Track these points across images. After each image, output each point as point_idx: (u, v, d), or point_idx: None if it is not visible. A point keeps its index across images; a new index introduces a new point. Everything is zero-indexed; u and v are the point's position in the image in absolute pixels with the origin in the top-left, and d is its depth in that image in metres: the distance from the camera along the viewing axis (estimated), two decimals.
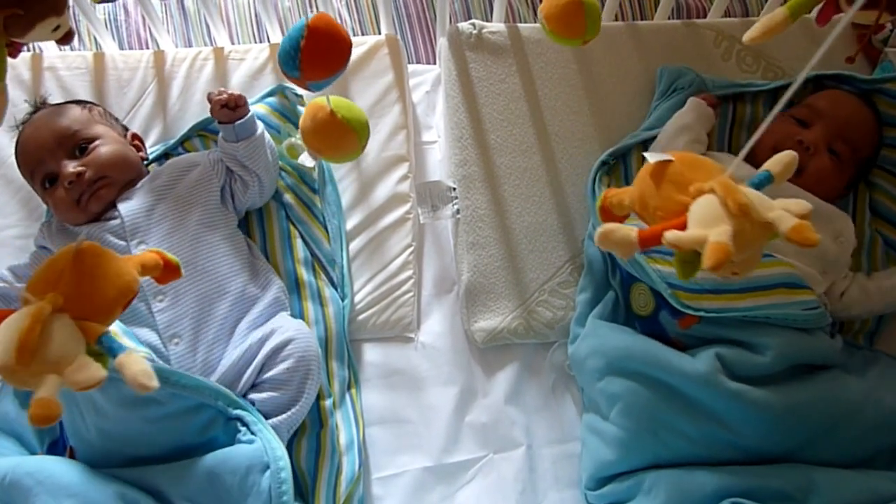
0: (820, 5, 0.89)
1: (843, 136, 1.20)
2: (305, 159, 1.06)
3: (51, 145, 1.15)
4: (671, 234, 0.69)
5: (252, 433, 1.04)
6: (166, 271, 0.81)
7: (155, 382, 0.72)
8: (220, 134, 1.21)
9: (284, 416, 1.08)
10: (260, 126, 1.22)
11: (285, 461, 1.01)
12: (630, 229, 0.73)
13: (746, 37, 0.87)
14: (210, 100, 1.18)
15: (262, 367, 1.09)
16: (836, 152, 1.20)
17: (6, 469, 0.98)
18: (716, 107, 1.30)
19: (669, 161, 0.78)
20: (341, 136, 0.97)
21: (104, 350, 0.72)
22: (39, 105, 1.25)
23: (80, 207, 1.16)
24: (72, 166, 1.14)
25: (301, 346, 1.09)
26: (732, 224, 0.67)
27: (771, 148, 1.25)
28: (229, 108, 1.17)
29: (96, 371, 0.69)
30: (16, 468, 0.98)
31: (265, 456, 1.01)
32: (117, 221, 1.15)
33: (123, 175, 1.19)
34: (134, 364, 0.71)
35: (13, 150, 1.33)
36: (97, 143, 1.18)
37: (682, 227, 0.71)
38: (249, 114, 1.20)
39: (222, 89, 1.18)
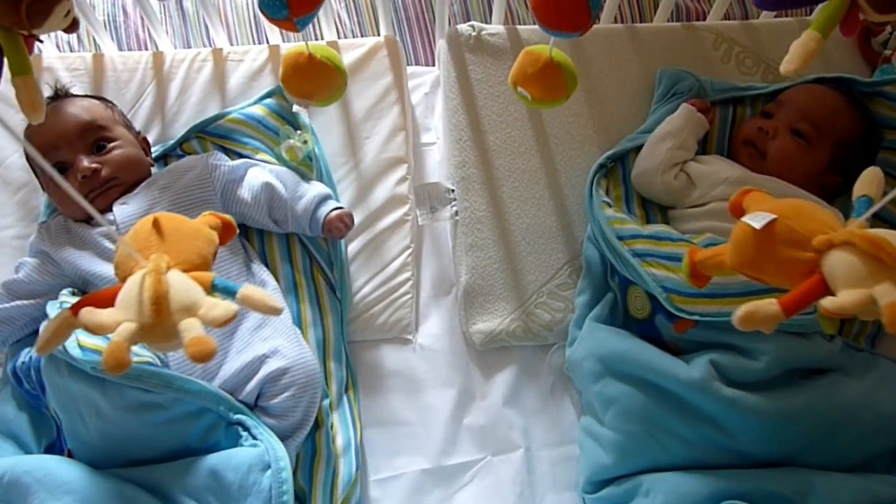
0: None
1: (804, 117, 1.22)
2: (297, 109, 1.04)
3: (72, 135, 1.15)
4: (831, 303, 0.66)
5: (254, 437, 1.04)
6: (224, 230, 0.86)
7: (282, 305, 0.75)
8: (305, 220, 1.22)
9: (291, 439, 1.08)
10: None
11: (286, 462, 1.02)
12: (771, 303, 0.70)
13: (784, 69, 0.83)
14: (336, 227, 1.20)
15: (265, 392, 1.08)
16: (800, 133, 1.21)
17: (5, 468, 0.98)
18: (707, 112, 1.30)
19: (773, 220, 0.75)
20: (326, 75, 0.98)
21: (220, 292, 0.76)
22: (60, 92, 1.24)
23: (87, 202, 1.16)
24: (88, 161, 1.15)
25: (302, 372, 1.08)
26: (889, 275, 0.65)
27: (741, 142, 1.27)
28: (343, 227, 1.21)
29: (229, 306, 0.72)
30: (14, 467, 0.98)
31: (267, 456, 1.01)
32: (112, 227, 1.15)
33: (134, 178, 1.20)
34: (256, 292, 0.75)
35: (11, 151, 1.34)
36: (117, 143, 1.19)
37: (821, 285, 0.69)
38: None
39: (349, 221, 1.21)
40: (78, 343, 1.00)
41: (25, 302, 1.14)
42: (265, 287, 1.19)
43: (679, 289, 1.08)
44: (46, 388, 1.07)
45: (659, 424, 1.06)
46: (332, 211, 1.21)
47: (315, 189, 1.24)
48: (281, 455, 1.02)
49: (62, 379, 1.02)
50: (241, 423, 1.06)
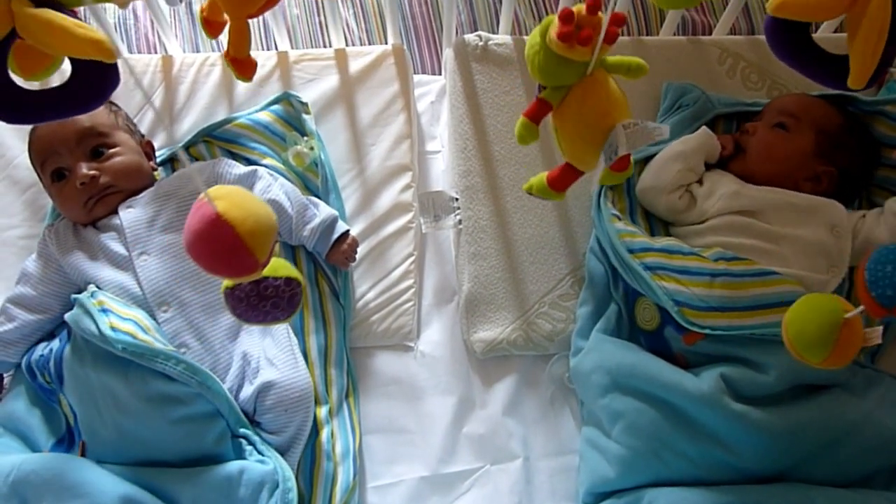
0: None
1: (784, 112, 1.25)
2: None
3: (71, 141, 1.15)
4: None
5: (259, 452, 1.06)
6: None
7: None
8: (311, 243, 1.24)
9: (288, 453, 1.09)
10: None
11: (293, 483, 1.03)
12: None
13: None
14: (340, 262, 1.24)
15: (258, 406, 1.09)
16: (781, 125, 1.24)
17: (11, 466, 0.99)
18: (726, 145, 1.29)
19: None
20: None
21: None
22: None
23: (87, 209, 1.17)
24: (86, 168, 1.15)
25: (294, 387, 1.09)
26: None
27: (732, 149, 1.29)
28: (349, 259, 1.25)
29: None
30: (21, 465, 0.99)
31: (276, 475, 1.03)
32: (121, 233, 1.16)
33: (134, 185, 1.20)
34: None
35: (19, 151, 1.35)
36: (117, 150, 1.19)
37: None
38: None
39: (353, 255, 1.25)
40: (110, 325, 1.01)
41: (40, 317, 1.15)
42: None
43: (690, 302, 1.09)
44: (65, 380, 1.07)
45: (665, 442, 1.06)
46: (336, 241, 1.23)
47: (321, 215, 1.23)
48: (289, 476, 1.04)
49: (83, 369, 1.03)
50: (245, 437, 1.07)
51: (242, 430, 1.07)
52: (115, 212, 1.18)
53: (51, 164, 1.16)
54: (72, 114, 0.77)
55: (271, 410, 1.08)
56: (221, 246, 0.65)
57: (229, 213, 0.65)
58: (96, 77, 0.76)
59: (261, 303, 0.76)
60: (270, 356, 1.11)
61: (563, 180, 0.92)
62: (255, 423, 1.10)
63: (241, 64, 0.99)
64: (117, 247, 1.15)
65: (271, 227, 0.69)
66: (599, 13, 0.78)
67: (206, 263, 0.68)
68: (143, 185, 1.22)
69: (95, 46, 0.73)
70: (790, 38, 0.80)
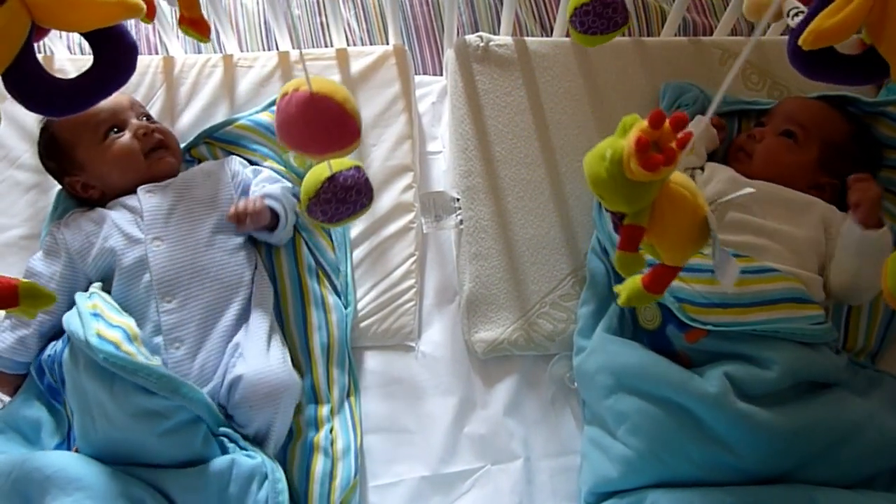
0: None
1: (792, 120, 1.25)
2: None
3: (125, 105, 1.23)
4: None
5: (242, 448, 1.07)
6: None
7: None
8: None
9: (262, 447, 1.09)
10: (281, 214, 1.21)
11: (281, 474, 1.04)
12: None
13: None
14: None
15: (229, 400, 1.09)
16: (789, 133, 1.24)
17: (13, 465, 0.99)
18: (720, 129, 1.32)
19: None
20: None
21: None
22: None
23: (148, 160, 1.21)
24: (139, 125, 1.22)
25: (263, 384, 1.07)
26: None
27: (735, 150, 1.30)
28: (241, 221, 1.17)
29: None
30: (23, 464, 0.99)
31: (265, 467, 1.03)
32: (139, 215, 1.17)
33: (178, 151, 1.27)
34: None
35: (22, 151, 1.35)
36: (155, 120, 1.27)
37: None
38: (268, 216, 1.20)
39: (240, 208, 1.17)
40: (97, 332, 1.01)
41: (52, 317, 1.15)
42: (263, 296, 1.19)
43: (692, 299, 1.09)
44: (66, 383, 1.08)
45: (668, 444, 1.06)
46: None
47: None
48: (276, 467, 1.04)
49: (78, 374, 1.03)
50: (226, 436, 1.08)
51: (222, 430, 1.07)
52: (134, 191, 1.19)
53: (108, 121, 1.20)
54: (110, 91, 0.80)
55: (239, 406, 1.07)
56: (329, 117, 0.69)
57: (323, 89, 0.69)
58: (115, 49, 0.77)
59: (347, 194, 0.82)
60: (245, 349, 1.11)
61: (661, 282, 0.89)
62: (228, 417, 1.10)
63: (196, 24, 1.00)
64: (132, 228, 1.16)
65: (353, 99, 0.72)
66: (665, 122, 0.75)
67: (318, 141, 0.71)
68: (179, 161, 1.27)
69: (122, 7, 0.74)
70: (821, 60, 0.81)
